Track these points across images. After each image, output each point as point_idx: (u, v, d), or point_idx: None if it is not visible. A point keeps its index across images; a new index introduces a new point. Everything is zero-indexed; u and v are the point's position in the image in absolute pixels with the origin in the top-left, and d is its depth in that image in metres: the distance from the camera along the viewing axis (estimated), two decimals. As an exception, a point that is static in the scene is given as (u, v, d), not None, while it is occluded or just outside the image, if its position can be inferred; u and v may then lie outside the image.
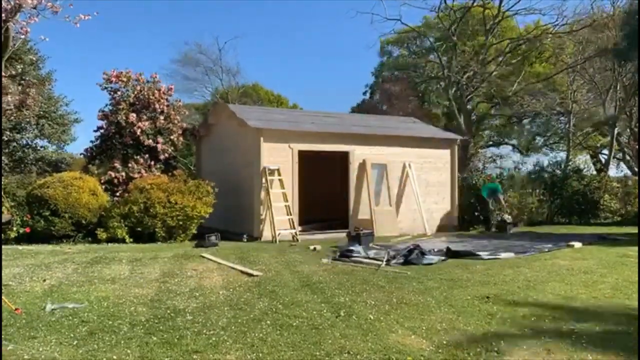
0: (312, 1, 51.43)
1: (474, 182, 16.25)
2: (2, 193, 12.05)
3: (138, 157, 14.72)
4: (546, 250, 10.05)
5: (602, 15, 23.22)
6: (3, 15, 8.33)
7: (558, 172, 19.27)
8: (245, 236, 12.38)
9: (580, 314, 5.34)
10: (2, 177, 13.58)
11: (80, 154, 17.21)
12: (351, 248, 9.43)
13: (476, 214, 15.98)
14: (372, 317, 5.14)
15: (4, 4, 8.32)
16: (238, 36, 59.06)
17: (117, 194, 13.71)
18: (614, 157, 27.10)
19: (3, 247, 9.70)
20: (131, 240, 11.54)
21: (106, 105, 15.50)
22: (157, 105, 15.25)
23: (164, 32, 54.12)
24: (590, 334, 4.66)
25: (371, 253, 9.26)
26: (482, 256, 9.03)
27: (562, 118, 28.73)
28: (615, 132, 24.05)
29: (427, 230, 14.24)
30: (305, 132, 13.44)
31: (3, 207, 11.22)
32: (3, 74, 12.52)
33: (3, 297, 5.20)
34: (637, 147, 24.05)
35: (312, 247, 10.35)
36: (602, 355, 4.15)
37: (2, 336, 4.39)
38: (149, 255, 9.03)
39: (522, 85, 27.40)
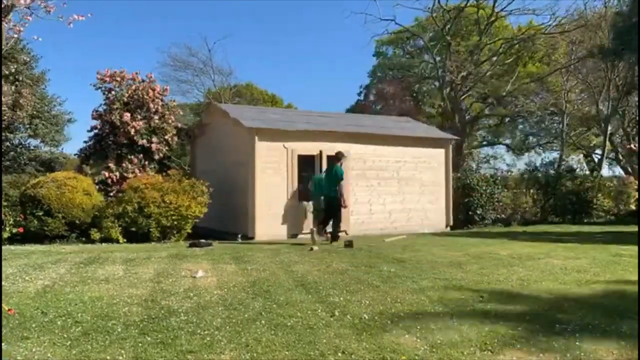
0: (307, 1, 51.49)
1: (468, 181, 16.34)
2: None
3: (132, 156, 14.65)
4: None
5: (594, 15, 23.36)
6: None
7: (552, 171, 19.40)
8: (240, 236, 12.36)
9: (573, 313, 5.37)
10: None
11: (75, 154, 17.11)
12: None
13: (470, 213, 16.10)
14: (366, 317, 5.15)
15: None
16: (227, 36, 58.58)
17: (111, 194, 13.63)
18: (606, 157, 27.27)
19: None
20: (125, 240, 11.50)
21: (100, 105, 15.44)
22: (151, 105, 15.17)
23: (157, 33, 53.92)
24: (584, 332, 4.70)
25: None
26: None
27: (556, 118, 28.90)
28: (608, 132, 24.20)
29: (421, 230, 14.28)
30: (299, 132, 13.44)
31: None
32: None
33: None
34: (630, 146, 24.17)
35: (308, 248, 10.35)
36: (594, 354, 4.18)
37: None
38: (143, 255, 9.00)
39: (516, 85, 27.54)
